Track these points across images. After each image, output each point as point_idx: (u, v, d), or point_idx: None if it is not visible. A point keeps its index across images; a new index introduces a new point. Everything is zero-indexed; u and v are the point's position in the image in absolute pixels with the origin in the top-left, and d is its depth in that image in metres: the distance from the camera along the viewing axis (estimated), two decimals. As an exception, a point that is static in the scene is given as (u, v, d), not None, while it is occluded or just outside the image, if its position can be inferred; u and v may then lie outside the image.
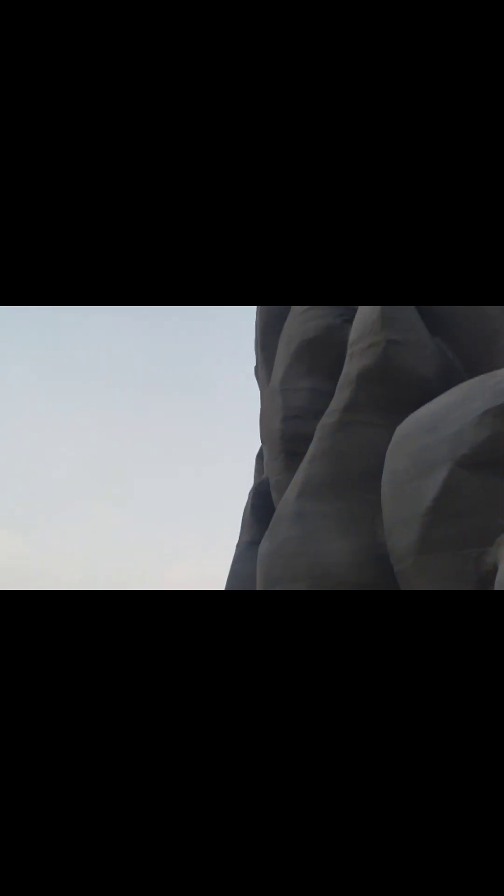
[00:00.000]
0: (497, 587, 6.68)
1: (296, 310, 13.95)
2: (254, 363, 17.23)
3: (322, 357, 12.38)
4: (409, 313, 11.50)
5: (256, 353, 16.21)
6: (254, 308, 18.07)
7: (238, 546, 13.06)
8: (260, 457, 15.98)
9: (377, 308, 11.51)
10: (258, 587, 10.41)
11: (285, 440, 11.77)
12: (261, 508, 12.90)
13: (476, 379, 8.94)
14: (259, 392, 16.14)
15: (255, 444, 16.31)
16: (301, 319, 13.27)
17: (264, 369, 14.93)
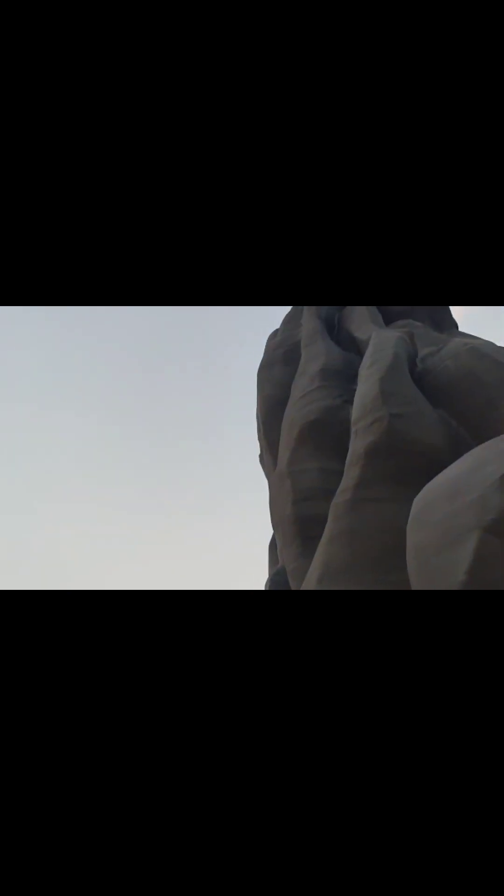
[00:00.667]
0: None
1: (294, 395, 14.23)
2: (257, 452, 17.30)
3: (326, 437, 12.39)
4: (407, 388, 11.69)
5: (260, 440, 16.31)
6: (253, 402, 18.52)
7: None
8: (273, 546, 15.43)
9: (375, 385, 11.71)
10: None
11: (298, 523, 11.39)
12: (279, 600, 12.17)
13: (487, 444, 8.82)
14: (266, 481, 15.99)
15: (266, 534, 15.85)
16: (301, 404, 13.48)
17: (269, 456, 14.91)
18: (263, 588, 13.19)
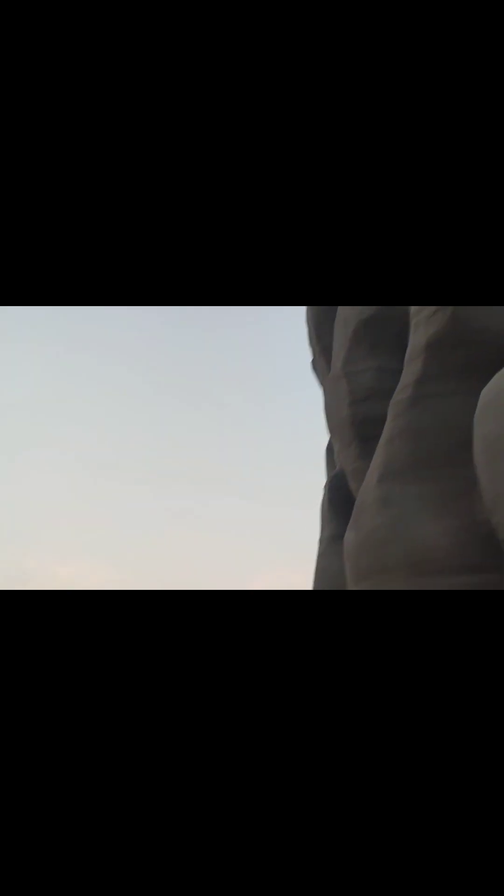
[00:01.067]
0: None
1: (347, 292, 13.39)
2: (308, 359, 16.75)
3: (383, 334, 11.71)
4: (473, 271, 10.66)
5: (311, 346, 15.72)
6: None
7: (320, 542, 12.47)
8: (329, 450, 15.37)
9: (437, 272, 10.75)
10: (348, 581, 9.78)
11: (356, 425, 11.15)
12: (339, 501, 12.29)
13: None
14: (320, 388, 15.60)
15: (320, 441, 15.75)
16: (354, 300, 12.69)
17: (322, 359, 14.40)
18: (323, 491, 13.33)
